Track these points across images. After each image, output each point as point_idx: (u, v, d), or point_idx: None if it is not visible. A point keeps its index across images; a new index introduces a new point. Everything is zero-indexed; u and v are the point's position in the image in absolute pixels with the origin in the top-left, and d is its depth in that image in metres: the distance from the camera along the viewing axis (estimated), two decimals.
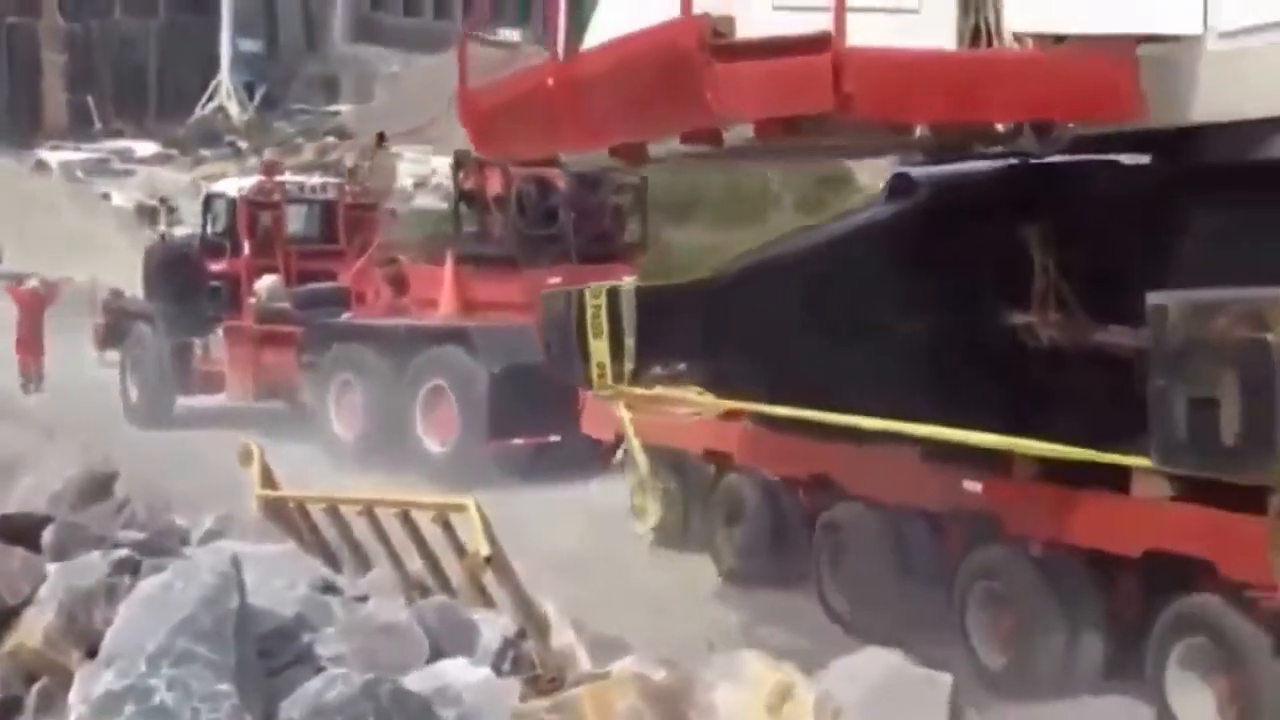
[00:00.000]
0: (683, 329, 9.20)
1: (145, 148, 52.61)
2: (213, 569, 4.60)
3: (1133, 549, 7.81)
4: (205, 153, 51.37)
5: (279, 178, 21.59)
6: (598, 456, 13.37)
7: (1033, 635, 8.50)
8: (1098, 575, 8.33)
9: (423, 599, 6.11)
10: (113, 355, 22.09)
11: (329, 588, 5.63)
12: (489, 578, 6.48)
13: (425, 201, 33.64)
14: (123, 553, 5.57)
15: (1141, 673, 7.89)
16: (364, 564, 7.64)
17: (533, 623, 5.62)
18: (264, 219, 20.42)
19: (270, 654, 4.74)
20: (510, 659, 5.24)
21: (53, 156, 50.07)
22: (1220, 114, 7.15)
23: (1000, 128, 7.60)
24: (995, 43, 7.28)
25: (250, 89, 59.50)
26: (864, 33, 6.86)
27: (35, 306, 23.79)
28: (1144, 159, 7.99)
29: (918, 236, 8.76)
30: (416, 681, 4.70)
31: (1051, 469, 8.03)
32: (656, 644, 6.91)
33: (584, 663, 5.32)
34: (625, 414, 8.95)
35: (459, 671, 4.90)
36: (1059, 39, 7.19)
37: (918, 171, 9.38)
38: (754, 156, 9.37)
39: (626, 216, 18.79)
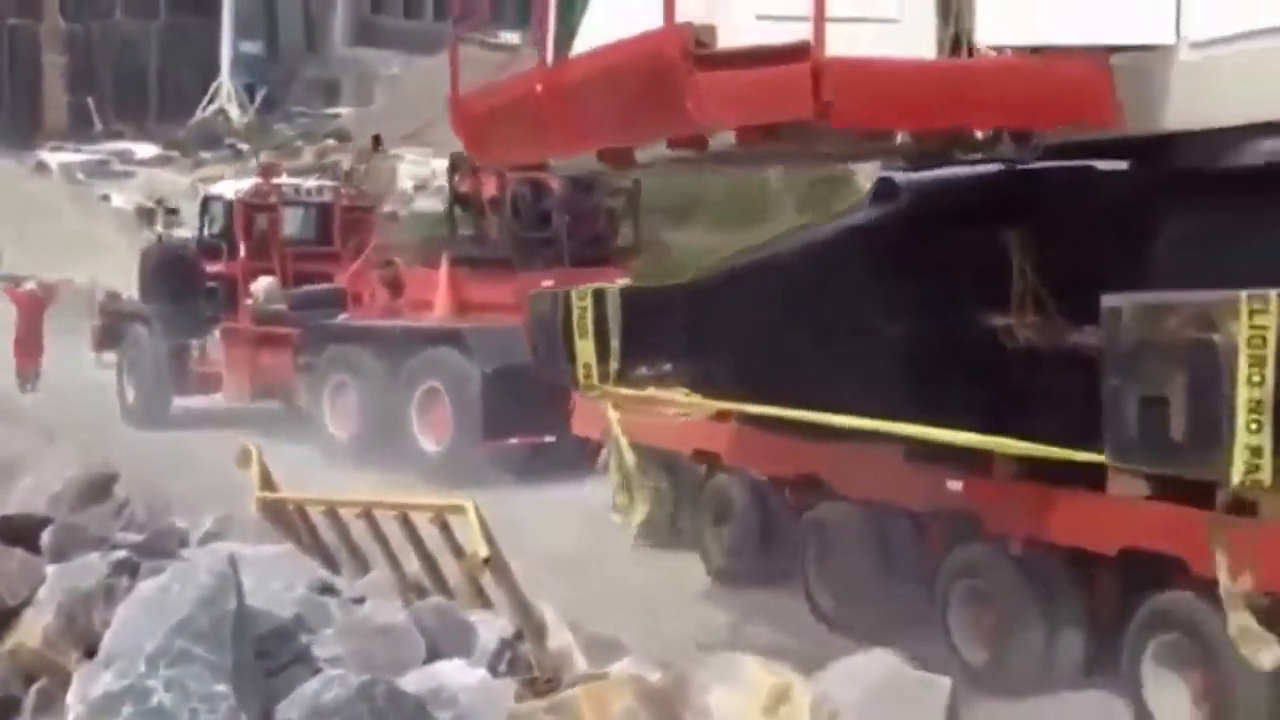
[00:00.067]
0: (667, 330, 9.35)
1: (145, 149, 52.64)
2: (211, 570, 4.61)
3: (1109, 547, 7.95)
4: (206, 155, 51.38)
5: (275, 180, 21.74)
6: (589, 456, 13.53)
7: (1012, 632, 8.64)
8: (1076, 573, 8.47)
9: (420, 600, 6.14)
10: (110, 357, 22.22)
11: (327, 589, 5.65)
12: (486, 579, 6.53)
13: (426, 204, 33.71)
14: (121, 554, 5.62)
15: (1119, 669, 8.01)
16: (362, 565, 7.68)
17: (530, 624, 5.65)
18: (260, 221, 20.61)
19: (268, 655, 4.76)
20: (507, 660, 5.27)
21: (53, 158, 50.13)
22: (1193, 121, 7.29)
23: (980, 135, 7.77)
24: (974, 52, 7.46)
25: (251, 91, 59.49)
26: (846, 42, 7.01)
27: (34, 309, 23.89)
28: (1121, 165, 8.13)
29: (900, 240, 8.90)
30: (413, 683, 4.72)
31: (1030, 468, 8.14)
32: (643, 641, 7.07)
33: (580, 664, 5.34)
34: (612, 413, 9.09)
35: (455, 673, 4.93)
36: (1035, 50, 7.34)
37: (901, 177, 9.53)
38: (738, 162, 9.54)
39: (620, 220, 18.97)
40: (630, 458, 8.97)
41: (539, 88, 8.51)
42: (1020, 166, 8.46)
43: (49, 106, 58.09)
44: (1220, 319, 5.32)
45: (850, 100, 6.85)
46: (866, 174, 19.76)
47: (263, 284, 19.86)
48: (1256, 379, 5.27)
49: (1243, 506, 6.17)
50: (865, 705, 4.69)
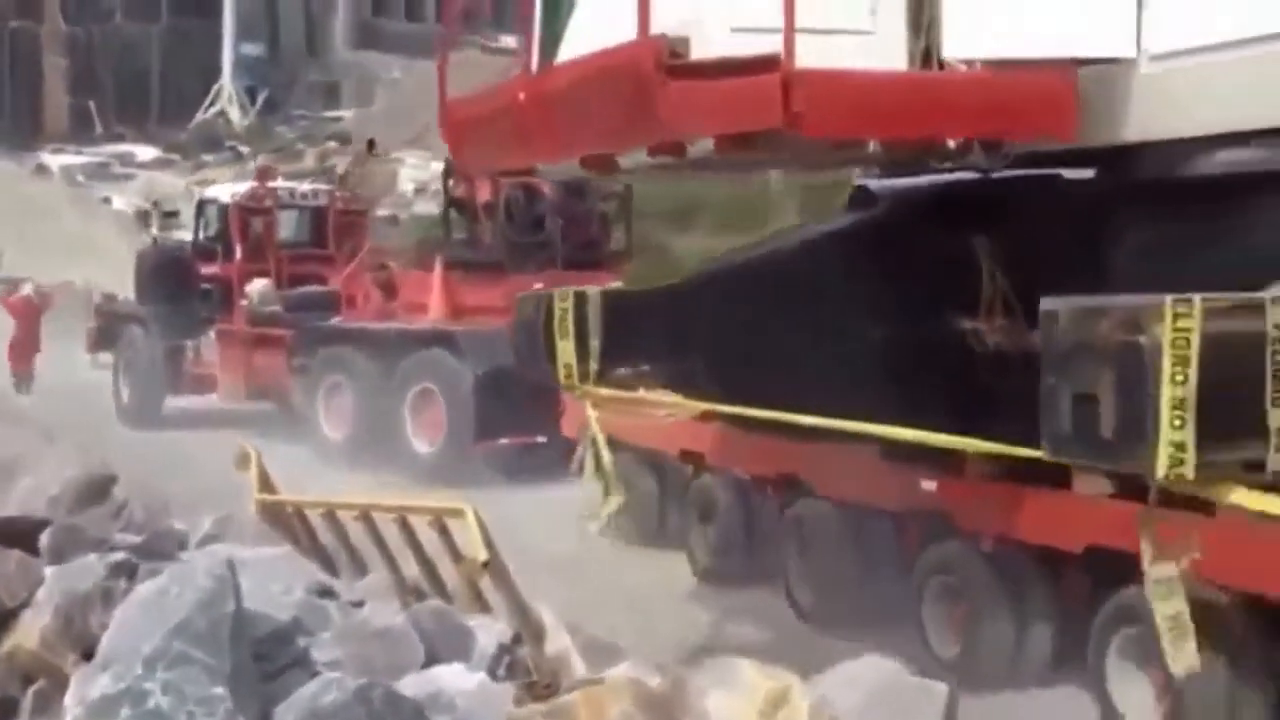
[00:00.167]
0: (646, 332, 9.56)
1: (146, 152, 52.72)
2: (209, 573, 4.59)
3: (1075, 544, 8.16)
4: (207, 157, 51.49)
5: (271, 184, 21.96)
6: (565, 457, 13.69)
7: (982, 627, 8.83)
8: (1045, 570, 8.66)
9: (419, 604, 6.07)
10: (105, 358, 22.39)
11: (325, 592, 5.62)
12: (485, 583, 6.57)
13: (426, 207, 33.93)
14: (120, 556, 5.63)
15: (1087, 663, 8.19)
16: (360, 568, 7.72)
17: (528, 628, 5.63)
18: (255, 224, 20.86)
19: (266, 658, 4.74)
20: (506, 664, 5.22)
21: (53, 160, 50.22)
22: (1153, 132, 7.49)
23: (951, 144, 8.01)
24: (944, 65, 7.70)
25: (252, 94, 59.53)
26: (821, 54, 7.24)
27: (30, 314, 23.99)
28: (1087, 174, 8.35)
29: (874, 246, 9.11)
30: (411, 686, 4.70)
31: (1001, 468, 8.31)
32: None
33: (579, 668, 5.30)
34: (592, 412, 9.31)
35: (453, 677, 4.91)
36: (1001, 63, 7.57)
37: (877, 184, 9.75)
38: (718, 169, 9.76)
39: (613, 224, 19.20)
40: (607, 456, 9.18)
41: (522, 96, 8.75)
42: (992, 175, 8.68)
43: (50, 109, 58.15)
44: (1146, 322, 5.57)
45: (820, 110, 7.07)
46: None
47: (258, 286, 20.08)
48: (1180, 378, 5.52)
49: (1199, 504, 6.37)
50: (863, 710, 4.71)
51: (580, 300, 9.12)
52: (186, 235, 23.10)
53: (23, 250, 34.06)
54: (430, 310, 17.97)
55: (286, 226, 21.28)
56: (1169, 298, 5.55)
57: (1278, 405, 5.56)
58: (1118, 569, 7.88)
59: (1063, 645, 8.65)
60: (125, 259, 27.89)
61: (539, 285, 15.14)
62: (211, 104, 58.24)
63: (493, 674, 5.08)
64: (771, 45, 7.13)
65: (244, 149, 51.51)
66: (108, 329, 22.44)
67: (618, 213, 19.09)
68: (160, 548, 6.07)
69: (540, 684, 4.95)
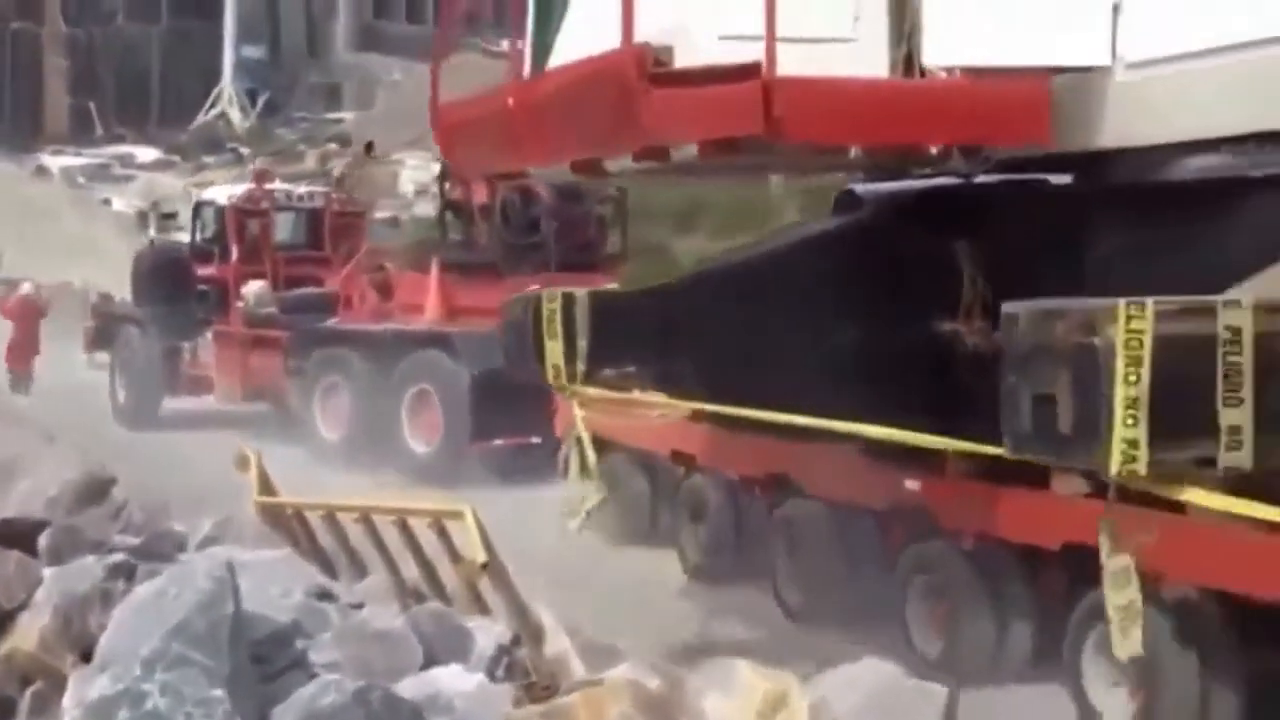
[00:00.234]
0: (633, 333, 9.72)
1: (146, 153, 52.64)
2: (208, 574, 4.61)
3: (1052, 542, 8.30)
4: (208, 159, 51.47)
5: (268, 186, 22.09)
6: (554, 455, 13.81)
7: (964, 624, 8.97)
8: (1025, 568, 8.79)
9: (418, 606, 6.10)
10: (101, 358, 22.49)
11: (324, 594, 5.64)
12: (484, 584, 6.56)
13: (427, 209, 33.97)
14: (118, 557, 5.68)
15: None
16: (360, 570, 7.75)
17: (527, 630, 5.62)
18: (252, 226, 20.97)
19: (264, 660, 4.77)
20: (505, 666, 5.24)
21: (54, 162, 50.16)
22: (1129, 139, 7.65)
23: (933, 150, 8.17)
24: (925, 72, 7.87)
25: (253, 96, 59.49)
26: (805, 61, 7.41)
27: (29, 315, 24.03)
28: (1066, 179, 8.51)
29: (858, 248, 9.27)
30: (410, 688, 4.72)
31: (981, 467, 8.42)
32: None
33: (578, 670, 5.28)
34: (578, 411, 9.46)
35: (452, 679, 4.93)
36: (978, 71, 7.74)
37: (863, 189, 9.91)
38: (703, 174, 9.93)
39: (609, 227, 19.34)
40: (591, 455, 9.32)
41: (512, 101, 8.91)
42: (975, 180, 8.84)
43: (50, 110, 58.09)
44: (1101, 324, 5.75)
45: (800, 117, 7.23)
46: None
47: (254, 288, 20.17)
48: (1133, 378, 5.69)
49: (1168, 503, 6.53)
50: (862, 712, 4.73)
51: (568, 301, 9.28)
52: (184, 237, 23.22)
53: (23, 251, 34.08)
54: (426, 312, 18.06)
55: (283, 228, 21.36)
56: (1122, 300, 5.73)
57: (1229, 405, 5.74)
58: (1093, 566, 7.95)
59: (1042, 642, 8.76)
60: (125, 260, 27.86)
61: (534, 287, 15.29)
62: (212, 106, 58.20)
63: (491, 675, 5.11)
64: (758, 53, 7.30)
65: (244, 151, 51.46)
66: (104, 329, 22.54)
67: (614, 215, 19.22)
68: (159, 549, 6.13)
69: (539, 685, 5.00)
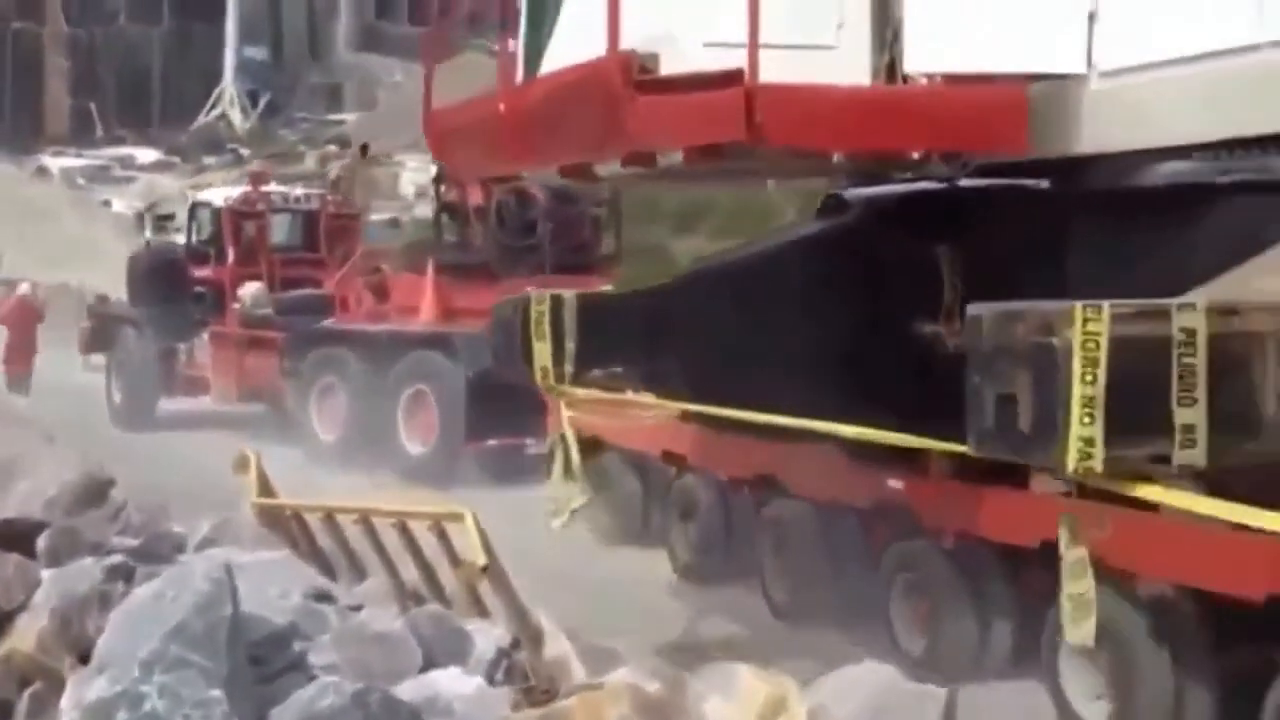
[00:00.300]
0: (620, 334, 9.86)
1: (147, 155, 52.68)
2: (206, 576, 4.59)
3: (1031, 540, 8.41)
4: (209, 160, 51.48)
5: (264, 187, 22.23)
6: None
7: (945, 623, 9.09)
8: (1005, 567, 8.90)
9: (417, 608, 6.01)
10: (97, 359, 22.58)
11: (323, 596, 5.62)
12: (484, 587, 6.56)
13: (427, 210, 34.03)
14: (117, 559, 5.68)
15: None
16: (359, 572, 7.78)
17: (527, 633, 5.60)
18: (248, 228, 21.12)
19: (263, 662, 4.76)
20: (504, 669, 5.23)
21: (54, 163, 50.18)
22: (1103, 145, 7.82)
23: (914, 155, 8.33)
24: (907, 79, 8.03)
25: (254, 97, 59.51)
26: (788, 68, 7.57)
27: (27, 316, 24.10)
28: (1043, 184, 8.65)
29: (842, 251, 9.41)
30: (409, 691, 4.71)
31: (963, 467, 8.52)
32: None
33: (578, 673, 5.26)
34: (565, 412, 9.61)
35: (451, 681, 4.91)
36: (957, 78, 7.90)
37: (850, 193, 10.04)
38: (690, 179, 10.09)
39: (604, 229, 19.48)
40: (576, 455, 9.46)
41: (503, 107, 9.07)
42: (958, 184, 8.98)
43: (51, 111, 58.07)
44: (1058, 326, 5.93)
45: (781, 123, 7.39)
46: None
47: (250, 289, 20.34)
48: (1090, 378, 5.86)
49: (1146, 503, 6.67)
50: (861, 716, 4.72)
51: (556, 303, 9.42)
52: (181, 238, 23.35)
53: (22, 252, 34.20)
54: (422, 313, 18.22)
55: (279, 230, 21.52)
56: (1079, 303, 5.89)
57: (1183, 404, 5.91)
58: None
59: (1022, 639, 8.87)
60: (124, 261, 28.05)
61: (530, 289, 15.46)
62: (213, 107, 58.21)
63: (490, 679, 5.12)
64: (743, 60, 7.45)
65: (245, 152, 51.49)
66: (101, 330, 22.66)
67: (609, 217, 19.36)
68: (158, 551, 6.14)
69: (538, 689, 5.01)
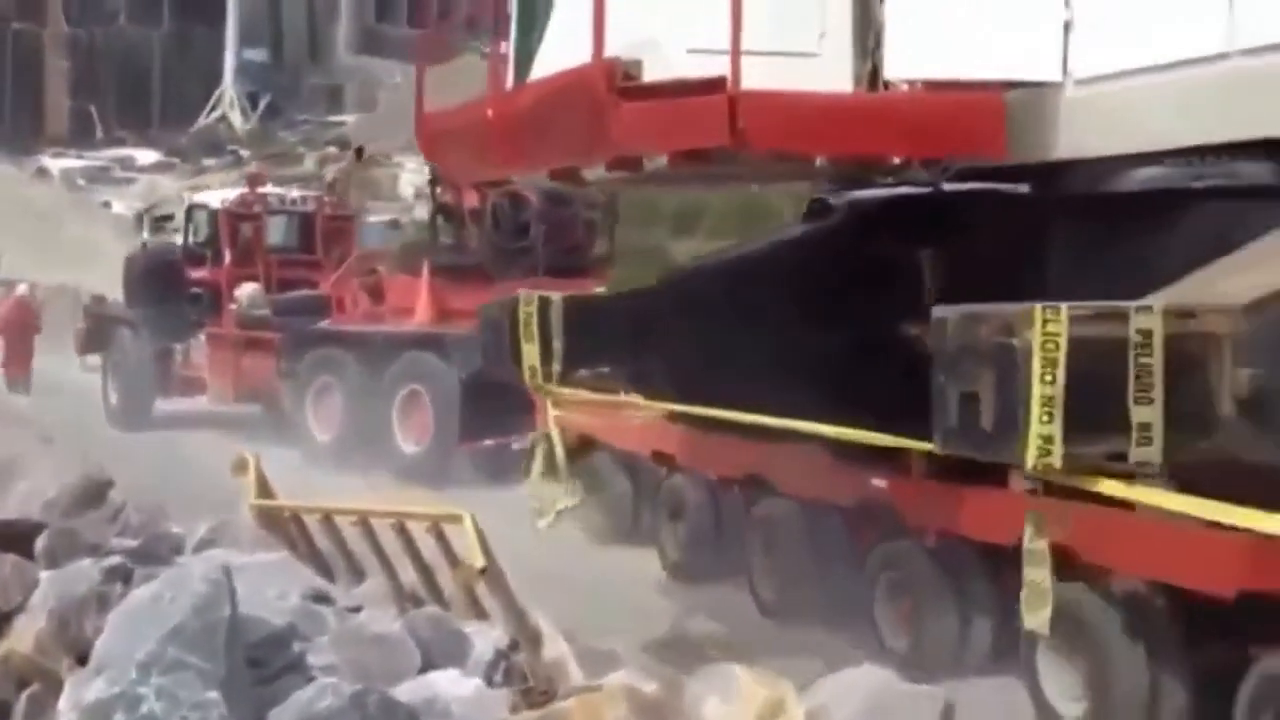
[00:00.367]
0: (607, 335, 10.00)
1: (147, 156, 52.68)
2: (205, 578, 4.60)
3: (1009, 539, 8.53)
4: (209, 162, 51.48)
5: (260, 189, 22.37)
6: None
7: (928, 621, 9.20)
8: (986, 565, 9.00)
9: (415, 610, 6.12)
10: (93, 360, 22.67)
11: (321, 598, 5.64)
12: (482, 589, 6.56)
13: (425, 212, 34.08)
14: (115, 560, 5.72)
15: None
16: (357, 574, 7.81)
17: (525, 634, 5.63)
18: (245, 229, 21.26)
19: (261, 663, 4.76)
20: (502, 671, 5.25)
21: (54, 164, 50.16)
22: (1079, 151, 7.97)
23: (895, 160, 8.48)
24: (888, 86, 8.19)
25: (254, 99, 59.49)
26: (771, 75, 7.72)
27: (26, 316, 24.24)
28: (1022, 189, 8.80)
29: (826, 254, 9.56)
30: (407, 692, 4.72)
31: (944, 466, 8.59)
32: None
33: (576, 675, 5.29)
34: (552, 411, 9.75)
35: (449, 683, 4.92)
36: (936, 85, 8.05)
37: (835, 197, 10.18)
38: (676, 183, 10.25)
39: (599, 231, 19.61)
40: (562, 454, 9.60)
41: (491, 112, 9.22)
42: (940, 189, 9.13)
43: (51, 112, 58.00)
44: (1019, 327, 6.11)
45: (763, 128, 7.54)
46: None
47: (247, 290, 20.46)
48: (1049, 378, 6.04)
49: (1122, 502, 6.81)
50: (860, 718, 4.75)
51: (544, 305, 9.56)
52: (178, 240, 23.45)
53: (22, 253, 34.26)
54: (417, 314, 18.35)
55: (275, 231, 21.69)
56: (1038, 305, 6.06)
57: (1140, 403, 6.09)
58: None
59: (1002, 637, 8.98)
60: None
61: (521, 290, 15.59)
62: (213, 108, 58.23)
63: (489, 680, 5.14)
64: (726, 67, 7.59)
65: (245, 154, 51.50)
66: (97, 331, 22.75)
67: (604, 220, 19.49)
68: (156, 552, 6.18)
69: (536, 690, 5.05)
